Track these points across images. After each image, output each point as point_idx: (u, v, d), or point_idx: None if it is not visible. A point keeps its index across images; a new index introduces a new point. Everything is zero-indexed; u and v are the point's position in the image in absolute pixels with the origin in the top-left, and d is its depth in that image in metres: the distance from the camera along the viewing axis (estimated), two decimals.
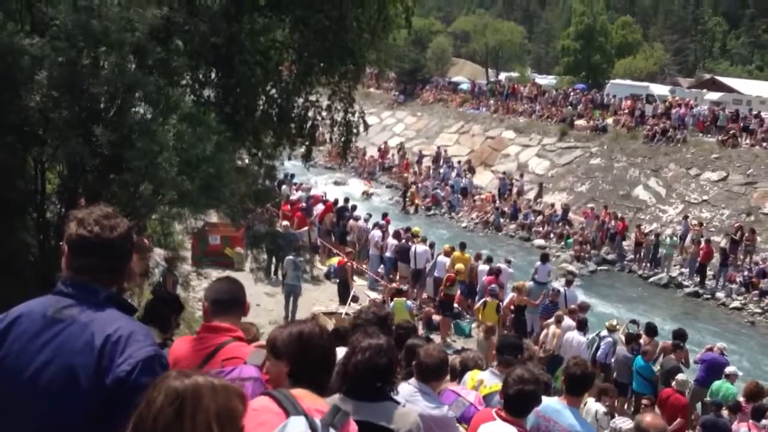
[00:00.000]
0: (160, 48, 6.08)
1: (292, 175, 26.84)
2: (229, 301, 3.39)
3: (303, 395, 2.50)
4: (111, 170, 6.06)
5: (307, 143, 11.50)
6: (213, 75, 9.20)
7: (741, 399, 10.37)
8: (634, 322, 13.81)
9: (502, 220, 29.79)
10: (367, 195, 33.80)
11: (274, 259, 15.68)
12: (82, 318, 2.22)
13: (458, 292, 16.40)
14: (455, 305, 17.22)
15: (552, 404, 4.88)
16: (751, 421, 9.52)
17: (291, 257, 14.51)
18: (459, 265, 16.37)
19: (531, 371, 4.53)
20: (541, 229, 28.35)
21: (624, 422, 8.52)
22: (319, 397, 2.58)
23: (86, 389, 2.13)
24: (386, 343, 3.23)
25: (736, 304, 21.71)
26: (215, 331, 3.29)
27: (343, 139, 11.59)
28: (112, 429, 1.78)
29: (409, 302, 14.71)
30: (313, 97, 11.17)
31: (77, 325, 2.21)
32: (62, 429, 2.13)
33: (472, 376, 5.33)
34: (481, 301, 15.40)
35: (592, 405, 9.57)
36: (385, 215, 22.37)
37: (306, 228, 19.49)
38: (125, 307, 2.39)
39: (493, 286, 15.52)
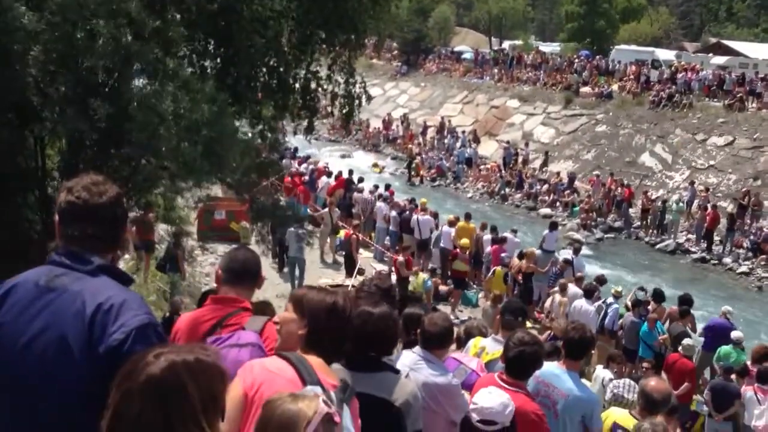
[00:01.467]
0: (156, 18, 5.99)
1: (296, 149, 26.74)
2: (240, 271, 3.33)
3: (318, 365, 2.48)
4: (111, 144, 6.01)
5: (308, 115, 11.41)
6: (211, 46, 9.10)
7: (748, 362, 10.37)
8: (642, 288, 13.79)
9: (507, 189, 29.71)
10: (379, 168, 33.72)
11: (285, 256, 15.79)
12: (74, 287, 2.19)
13: (466, 267, 16.29)
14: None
15: (551, 369, 4.89)
16: (756, 384, 9.52)
17: (293, 229, 14.48)
18: (464, 240, 16.27)
19: (531, 334, 4.53)
20: (546, 197, 28.26)
21: (626, 389, 8.54)
22: (329, 368, 2.55)
23: (78, 359, 2.10)
24: (378, 312, 3.20)
25: (743, 269, 21.66)
26: (221, 302, 3.27)
27: (345, 110, 11.50)
28: (106, 399, 1.75)
29: (429, 281, 14.73)
30: (313, 68, 11.06)
31: (69, 294, 2.17)
32: (54, 399, 2.10)
33: (474, 343, 5.33)
34: (491, 270, 15.49)
35: (600, 372, 9.61)
36: (388, 187, 22.29)
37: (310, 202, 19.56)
38: (119, 277, 2.36)
39: (504, 254, 15.61)
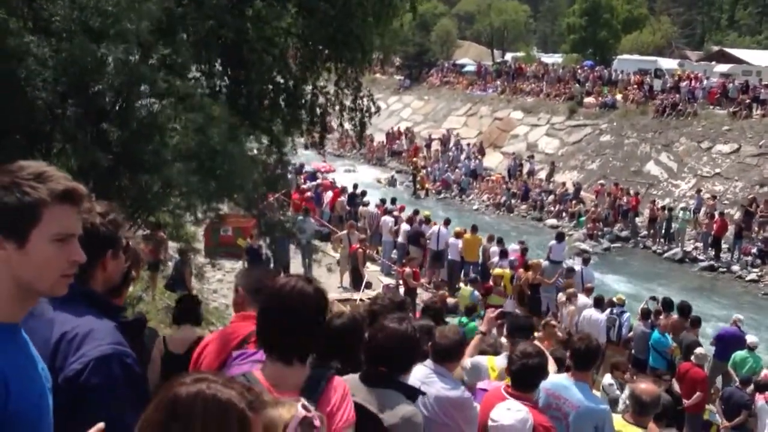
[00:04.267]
0: (165, 42, 6.05)
1: (302, 165, 26.86)
2: (259, 288, 3.35)
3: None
4: (122, 168, 6.05)
5: (318, 130, 11.49)
6: (221, 66, 9.18)
7: (765, 372, 10.33)
8: (653, 298, 13.76)
9: (513, 200, 29.72)
10: (390, 181, 33.84)
11: None
12: (51, 313, 2.12)
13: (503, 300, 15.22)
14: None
15: (560, 381, 4.90)
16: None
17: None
18: (497, 270, 15.66)
19: (534, 345, 4.54)
20: (552, 208, 28.26)
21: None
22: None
23: None
24: (390, 330, 3.17)
25: (752, 276, 21.58)
26: (248, 319, 3.30)
27: (356, 124, 11.57)
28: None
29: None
30: (321, 83, 11.15)
31: (44, 321, 2.09)
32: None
33: (491, 365, 5.29)
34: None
35: (603, 379, 9.68)
36: (394, 201, 22.35)
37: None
38: (101, 304, 2.28)
39: (512, 258, 15.59)
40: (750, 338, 11.51)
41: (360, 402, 2.85)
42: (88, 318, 2.17)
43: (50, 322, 2.11)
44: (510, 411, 3.84)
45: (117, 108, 5.88)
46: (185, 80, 6.33)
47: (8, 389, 1.67)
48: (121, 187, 6.50)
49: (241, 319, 3.38)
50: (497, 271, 15.50)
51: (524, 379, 4.23)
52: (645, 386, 4.83)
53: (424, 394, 3.39)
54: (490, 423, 3.86)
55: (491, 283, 15.52)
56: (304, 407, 1.89)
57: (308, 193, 22.80)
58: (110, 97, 5.94)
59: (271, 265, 15.31)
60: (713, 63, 45.28)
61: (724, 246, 23.01)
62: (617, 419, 4.93)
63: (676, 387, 9.91)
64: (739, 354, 11.20)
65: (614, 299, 13.22)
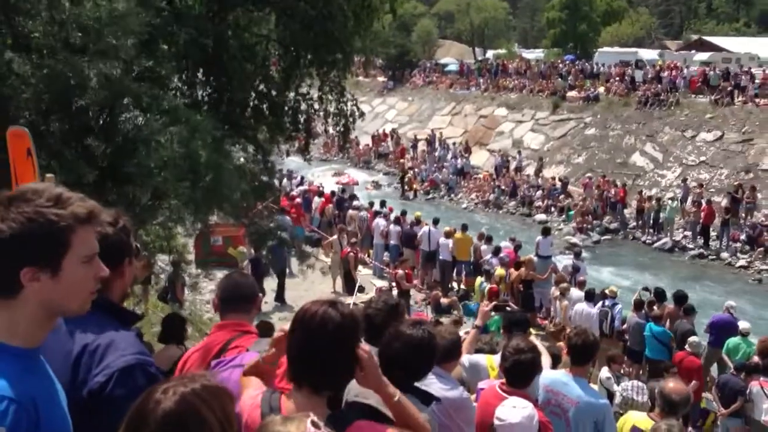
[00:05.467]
0: (146, 53, 6.02)
1: (290, 171, 26.86)
2: (232, 298, 3.33)
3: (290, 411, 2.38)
4: (109, 182, 6.01)
5: (303, 136, 11.46)
6: (202, 75, 9.14)
7: (755, 357, 10.38)
8: (646, 289, 13.81)
9: (501, 198, 29.80)
10: (376, 185, 33.85)
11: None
12: (69, 326, 2.11)
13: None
14: (462, 286, 17.28)
15: (559, 377, 4.90)
16: (762, 378, 9.53)
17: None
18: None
19: (527, 340, 4.54)
20: (541, 203, 28.34)
21: (636, 391, 8.58)
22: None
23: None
24: (407, 337, 3.16)
25: (741, 262, 21.73)
26: (224, 328, 3.28)
27: (340, 129, 11.55)
28: None
29: (484, 283, 14.84)
30: (304, 90, 11.13)
31: (62, 334, 2.09)
32: None
33: (490, 364, 5.28)
34: (487, 270, 15.63)
35: (600, 373, 9.71)
36: (384, 203, 22.35)
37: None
38: (119, 314, 2.30)
39: (503, 255, 15.63)
40: (742, 324, 11.57)
41: (375, 405, 2.84)
42: (107, 329, 2.18)
43: (70, 334, 2.11)
44: (516, 408, 3.83)
45: (101, 123, 5.83)
46: (168, 92, 6.30)
47: (38, 414, 1.68)
48: (108, 201, 6.46)
49: (218, 329, 3.32)
50: (499, 271, 15.45)
51: (518, 375, 4.22)
52: (674, 385, 4.77)
53: (439, 400, 3.37)
54: (496, 422, 3.84)
55: (494, 285, 15.38)
56: (314, 423, 1.87)
57: (297, 199, 22.78)
58: (94, 112, 5.89)
59: (270, 272, 15.33)
60: (693, 52, 45.64)
61: (712, 233, 23.18)
62: (642, 418, 4.90)
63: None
64: (733, 341, 11.27)
65: (607, 291, 13.26)
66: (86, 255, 1.75)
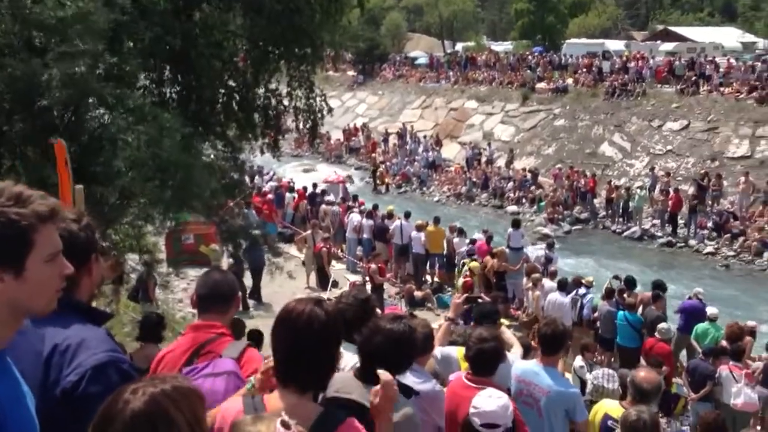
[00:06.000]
0: (111, 51, 5.93)
1: (260, 168, 26.68)
2: (210, 296, 3.30)
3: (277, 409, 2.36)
4: (77, 181, 5.93)
5: (272, 133, 11.39)
6: (170, 73, 9.04)
7: (723, 342, 10.58)
8: (616, 277, 13.97)
9: (474, 190, 29.94)
10: (348, 180, 33.75)
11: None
12: (39, 326, 2.08)
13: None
14: (436, 279, 17.36)
15: (530, 367, 4.96)
16: (731, 362, 9.72)
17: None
18: (474, 264, 15.46)
19: (490, 330, 4.59)
20: (513, 195, 28.53)
21: (606, 379, 8.69)
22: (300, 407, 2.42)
23: (36, 402, 1.93)
24: (387, 331, 3.18)
25: (709, 249, 22.09)
26: (198, 330, 3.24)
27: (309, 125, 11.51)
28: None
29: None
30: (273, 85, 11.06)
31: (31, 334, 2.05)
32: None
33: (460, 356, 5.31)
34: (461, 262, 15.80)
35: (574, 362, 9.83)
36: (356, 197, 22.33)
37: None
38: (89, 313, 2.26)
39: (470, 246, 15.71)
40: (710, 310, 11.78)
41: (357, 399, 2.84)
42: (77, 327, 2.14)
43: (39, 335, 2.07)
44: (491, 398, 3.87)
45: (66, 122, 5.75)
46: (134, 90, 6.22)
47: (5, 414, 1.67)
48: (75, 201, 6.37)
49: (192, 330, 3.28)
50: (473, 264, 15.50)
51: (482, 363, 4.29)
52: (645, 374, 4.82)
53: (418, 394, 3.39)
54: (471, 410, 3.87)
55: (468, 277, 15.36)
56: (283, 423, 1.87)
57: (269, 196, 22.67)
58: (58, 111, 5.81)
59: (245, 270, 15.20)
60: (658, 42, 46.23)
61: (680, 221, 23.53)
62: (614, 406, 4.95)
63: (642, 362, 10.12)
64: (701, 326, 11.47)
65: (583, 281, 13.38)
66: (50, 253, 1.73)
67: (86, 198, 6.45)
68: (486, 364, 4.30)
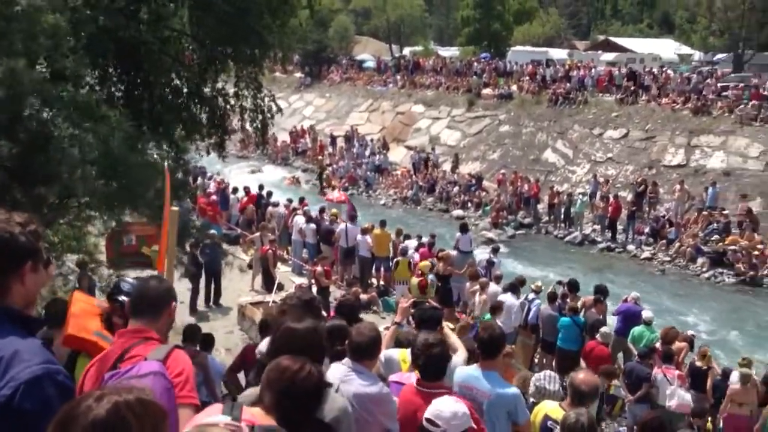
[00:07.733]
0: (54, 48, 5.78)
1: (203, 168, 26.20)
2: (139, 303, 3.24)
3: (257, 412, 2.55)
4: (16, 182, 5.75)
5: (219, 133, 11.26)
6: (117, 70, 8.85)
7: (658, 344, 10.91)
8: (560, 282, 14.23)
9: (420, 193, 30.15)
10: (296, 181, 33.53)
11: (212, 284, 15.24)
12: None
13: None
14: (382, 282, 17.38)
15: (471, 372, 5.02)
16: (664, 365, 10.04)
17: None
18: (424, 263, 15.17)
19: (434, 334, 4.65)
20: (458, 199, 28.83)
21: (548, 380, 8.83)
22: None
23: None
24: (302, 328, 3.25)
25: (646, 254, 22.75)
26: (125, 336, 3.18)
27: (257, 125, 11.40)
28: None
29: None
30: (219, 85, 10.94)
31: None
32: None
33: (402, 357, 5.34)
34: (394, 260, 15.88)
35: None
36: (302, 200, 22.21)
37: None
38: (22, 322, 2.18)
39: (403, 245, 16.10)
40: (645, 313, 12.13)
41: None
42: (10, 338, 2.06)
43: None
44: (448, 403, 3.92)
45: (4, 122, 5.57)
46: (79, 88, 6.08)
47: None
48: (16, 200, 6.18)
49: (118, 337, 3.22)
50: (422, 264, 15.49)
51: (432, 369, 4.34)
52: (583, 376, 4.91)
53: (330, 385, 3.41)
54: (427, 415, 3.90)
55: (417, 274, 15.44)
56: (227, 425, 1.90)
57: (213, 197, 22.37)
58: None
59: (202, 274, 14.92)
60: (600, 52, 47.47)
61: (619, 227, 24.19)
62: (554, 407, 5.04)
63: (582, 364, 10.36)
64: (637, 329, 11.81)
65: (532, 287, 13.58)
66: None
67: (24, 199, 6.28)
68: (436, 369, 4.36)
